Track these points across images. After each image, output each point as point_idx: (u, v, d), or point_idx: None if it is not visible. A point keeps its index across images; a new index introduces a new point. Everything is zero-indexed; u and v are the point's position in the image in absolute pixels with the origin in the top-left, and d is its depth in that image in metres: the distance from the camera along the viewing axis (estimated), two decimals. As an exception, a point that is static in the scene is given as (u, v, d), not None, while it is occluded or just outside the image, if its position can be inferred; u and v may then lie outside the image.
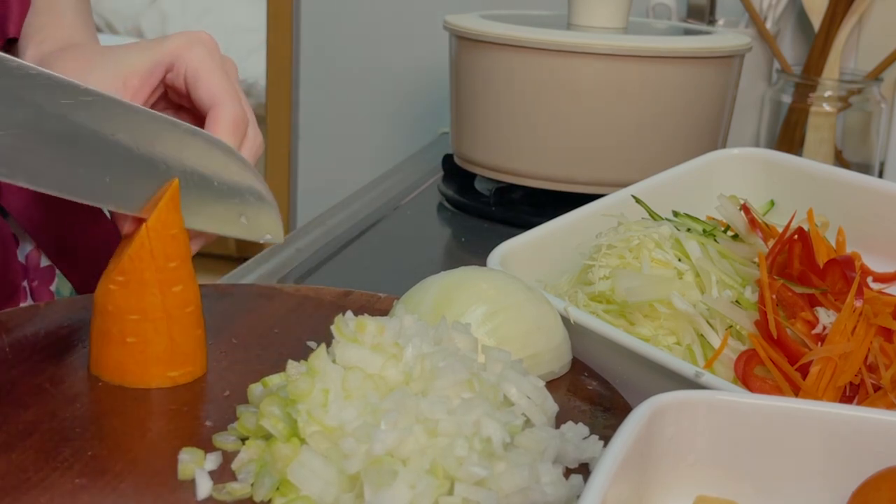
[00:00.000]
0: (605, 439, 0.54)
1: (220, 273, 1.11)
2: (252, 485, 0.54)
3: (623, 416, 0.53)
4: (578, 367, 0.71)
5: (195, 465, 0.55)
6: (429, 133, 1.79)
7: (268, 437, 0.56)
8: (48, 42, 0.76)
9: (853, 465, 0.53)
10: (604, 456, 0.48)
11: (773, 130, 1.51)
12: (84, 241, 0.88)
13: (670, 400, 0.53)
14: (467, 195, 1.31)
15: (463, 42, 1.26)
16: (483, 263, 0.79)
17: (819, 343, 0.69)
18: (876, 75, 1.48)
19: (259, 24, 3.49)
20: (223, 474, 0.55)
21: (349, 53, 1.85)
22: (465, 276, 0.70)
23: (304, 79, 1.88)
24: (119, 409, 0.62)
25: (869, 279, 0.82)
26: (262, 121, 1.97)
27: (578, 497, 0.48)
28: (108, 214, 0.86)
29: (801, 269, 0.75)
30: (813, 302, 0.72)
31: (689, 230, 0.80)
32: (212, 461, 0.56)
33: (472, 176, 1.34)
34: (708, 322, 0.73)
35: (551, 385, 0.67)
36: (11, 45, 0.83)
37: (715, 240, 0.79)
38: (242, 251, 3.29)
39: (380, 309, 0.76)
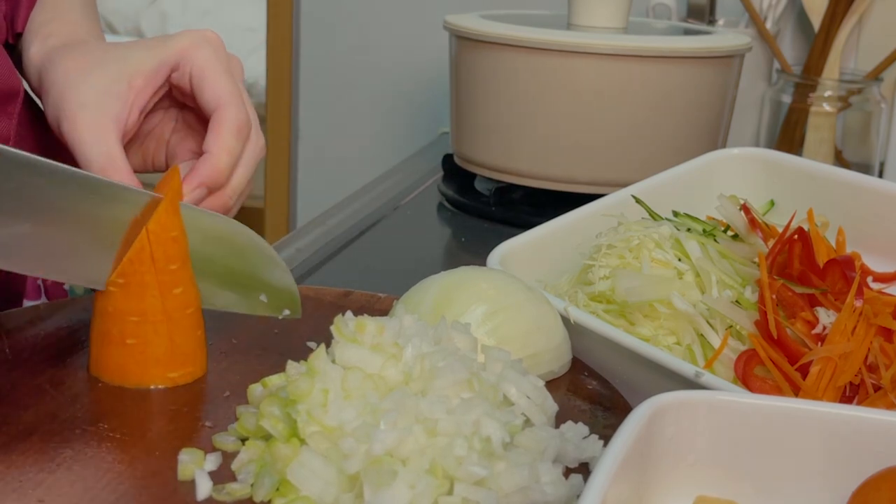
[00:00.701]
0: (605, 439, 0.54)
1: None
2: (252, 485, 0.54)
3: (623, 416, 0.53)
4: (578, 366, 0.71)
5: (195, 466, 0.55)
6: (429, 133, 1.79)
7: (268, 437, 0.56)
8: (53, 38, 0.76)
9: (853, 465, 0.53)
10: (604, 456, 0.48)
11: (773, 130, 1.51)
12: None
13: (670, 400, 0.53)
14: (467, 195, 1.31)
15: (463, 42, 1.26)
16: (483, 263, 0.79)
17: (819, 343, 0.69)
18: (876, 75, 1.48)
19: (259, 24, 3.49)
20: (223, 474, 0.55)
21: (349, 53, 1.85)
22: (465, 276, 0.70)
23: (304, 79, 1.88)
24: (119, 410, 0.61)
25: (869, 279, 0.82)
26: (262, 121, 1.97)
27: (578, 497, 0.48)
28: None
29: (801, 269, 0.75)
30: (813, 302, 0.72)
31: (689, 230, 0.80)
32: (212, 461, 0.56)
33: (472, 176, 1.34)
34: (708, 322, 0.73)
35: (551, 385, 0.67)
36: (19, 40, 0.83)
37: (715, 240, 0.79)
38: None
39: (380, 309, 0.76)
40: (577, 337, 0.72)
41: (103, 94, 0.68)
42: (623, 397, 0.67)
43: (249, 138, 0.71)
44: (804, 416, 0.54)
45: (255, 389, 0.61)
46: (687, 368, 0.66)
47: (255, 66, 3.12)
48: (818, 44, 1.48)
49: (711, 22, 1.58)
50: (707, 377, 0.65)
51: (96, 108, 0.68)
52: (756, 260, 0.77)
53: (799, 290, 0.73)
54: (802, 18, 1.57)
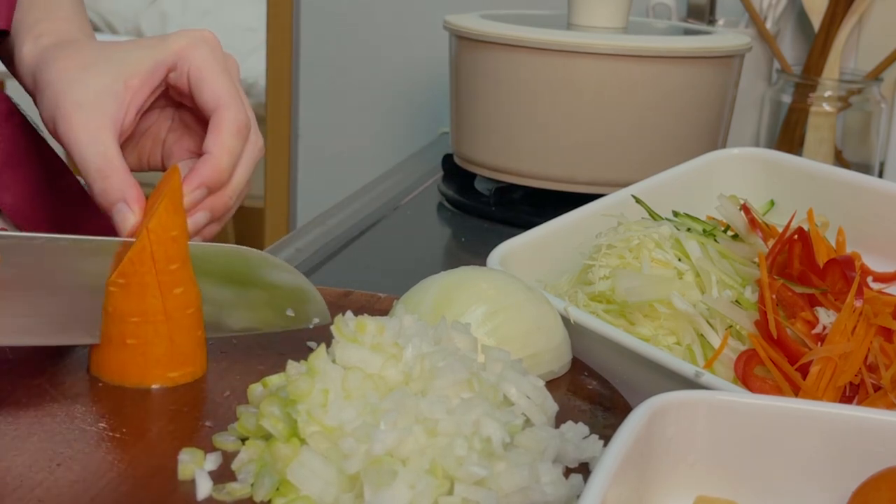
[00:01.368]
0: (605, 439, 0.54)
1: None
2: (252, 485, 0.54)
3: (623, 416, 0.53)
4: (578, 366, 0.71)
5: (195, 465, 0.55)
6: (429, 133, 1.79)
7: (268, 437, 0.56)
8: (45, 37, 0.75)
9: (853, 465, 0.53)
10: (604, 456, 0.48)
11: (773, 130, 1.51)
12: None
13: (670, 400, 0.53)
14: (467, 195, 1.31)
15: (463, 42, 1.26)
16: (483, 263, 0.79)
17: (819, 343, 0.69)
18: (876, 75, 1.48)
19: (259, 24, 3.49)
20: (223, 474, 0.55)
21: (349, 53, 1.85)
22: (465, 276, 0.70)
23: (304, 79, 1.88)
24: (119, 410, 0.61)
25: (869, 279, 0.82)
26: (262, 121, 1.97)
27: (578, 497, 0.48)
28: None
29: (801, 269, 0.75)
30: (813, 302, 0.72)
31: (689, 230, 0.80)
32: (212, 461, 0.56)
33: (472, 176, 1.34)
34: (708, 322, 0.73)
35: (551, 385, 0.67)
36: (3, 38, 0.82)
37: (715, 240, 0.79)
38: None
39: (380, 309, 0.76)
40: (577, 337, 0.72)
41: (99, 94, 0.68)
42: (623, 397, 0.67)
43: (249, 138, 0.71)
44: (804, 416, 0.54)
45: (255, 389, 0.61)
46: (687, 368, 0.66)
47: (255, 66, 3.12)
48: (818, 44, 1.48)
49: (711, 22, 1.58)
50: (707, 377, 0.65)
51: (92, 108, 0.67)
52: (756, 260, 0.77)
53: (799, 290, 0.73)
54: (802, 18, 1.57)
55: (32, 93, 0.73)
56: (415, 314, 0.63)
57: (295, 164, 1.91)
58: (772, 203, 0.92)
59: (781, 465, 0.54)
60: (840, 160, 1.50)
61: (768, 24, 1.53)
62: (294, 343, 0.70)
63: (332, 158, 1.90)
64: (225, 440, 0.58)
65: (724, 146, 1.28)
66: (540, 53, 1.18)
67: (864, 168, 1.48)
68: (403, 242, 1.21)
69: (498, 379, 0.59)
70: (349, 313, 0.59)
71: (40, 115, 0.71)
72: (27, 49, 0.75)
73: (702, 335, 0.73)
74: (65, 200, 0.69)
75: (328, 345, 0.58)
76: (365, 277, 1.08)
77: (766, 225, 0.80)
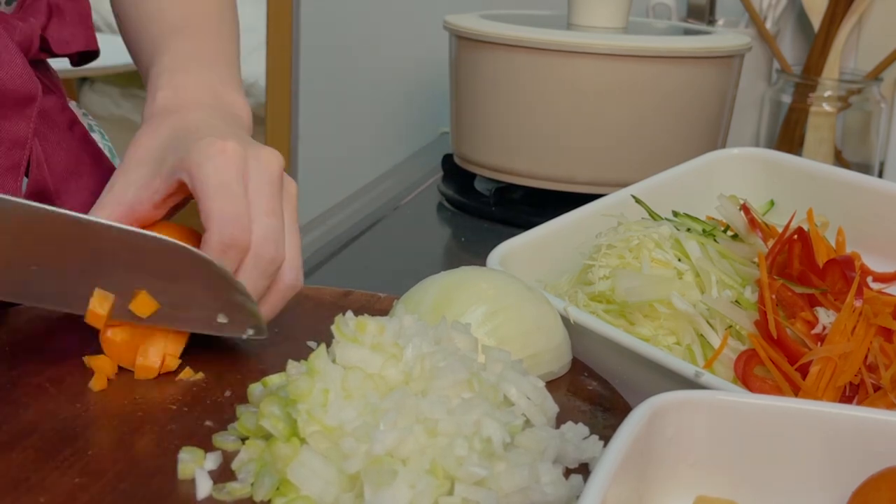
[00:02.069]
0: (605, 439, 0.54)
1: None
2: (252, 485, 0.54)
3: (623, 416, 0.53)
4: (578, 367, 0.71)
5: (195, 465, 0.55)
6: (429, 133, 1.79)
7: (268, 437, 0.56)
8: (159, 96, 0.76)
9: (853, 465, 0.53)
10: (604, 456, 0.48)
11: (773, 130, 1.51)
12: None
13: (670, 400, 0.53)
14: (467, 195, 1.31)
15: (463, 42, 1.26)
16: (483, 263, 0.79)
17: (819, 343, 0.69)
18: (876, 75, 1.48)
19: (259, 23, 3.49)
20: (223, 474, 0.55)
21: (349, 53, 1.85)
22: (465, 276, 0.70)
23: (304, 79, 1.88)
24: (119, 409, 0.62)
25: (869, 279, 0.82)
26: (261, 121, 1.97)
27: (578, 497, 0.48)
28: None
29: (801, 269, 0.75)
30: (813, 302, 0.72)
31: (689, 230, 0.80)
32: (212, 461, 0.56)
33: (472, 176, 1.34)
34: (708, 322, 0.73)
35: (551, 385, 0.67)
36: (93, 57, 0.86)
37: (715, 240, 0.79)
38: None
39: (380, 309, 0.76)
40: (577, 337, 0.72)
41: (128, 186, 0.69)
42: (623, 398, 0.67)
43: (278, 276, 0.67)
44: (804, 416, 0.54)
45: (255, 389, 0.61)
46: (687, 368, 0.66)
47: (255, 66, 3.12)
48: (818, 44, 1.48)
49: (711, 22, 1.58)
50: (707, 377, 0.65)
51: (115, 196, 0.69)
52: (756, 260, 0.77)
53: (799, 290, 0.73)
54: (802, 18, 1.57)
55: None
56: (415, 314, 0.63)
57: (295, 164, 1.91)
58: (772, 203, 0.92)
59: (781, 465, 0.54)
60: (840, 160, 1.50)
61: (768, 24, 1.53)
62: (294, 343, 0.70)
63: (332, 158, 1.90)
64: (225, 440, 0.58)
65: (724, 146, 1.28)
66: (540, 53, 1.18)
67: (864, 168, 1.48)
68: (403, 242, 1.21)
69: (498, 379, 0.59)
70: (349, 313, 0.59)
71: None
72: (147, 105, 0.76)
73: (702, 335, 0.73)
74: None
75: (328, 345, 0.58)
76: (365, 277, 1.08)
77: (766, 225, 0.80)
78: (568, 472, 0.56)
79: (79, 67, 0.88)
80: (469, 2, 1.59)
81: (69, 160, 0.83)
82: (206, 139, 0.66)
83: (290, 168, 1.92)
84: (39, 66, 0.84)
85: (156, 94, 0.76)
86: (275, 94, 1.90)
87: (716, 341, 0.73)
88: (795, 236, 0.76)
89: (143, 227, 0.68)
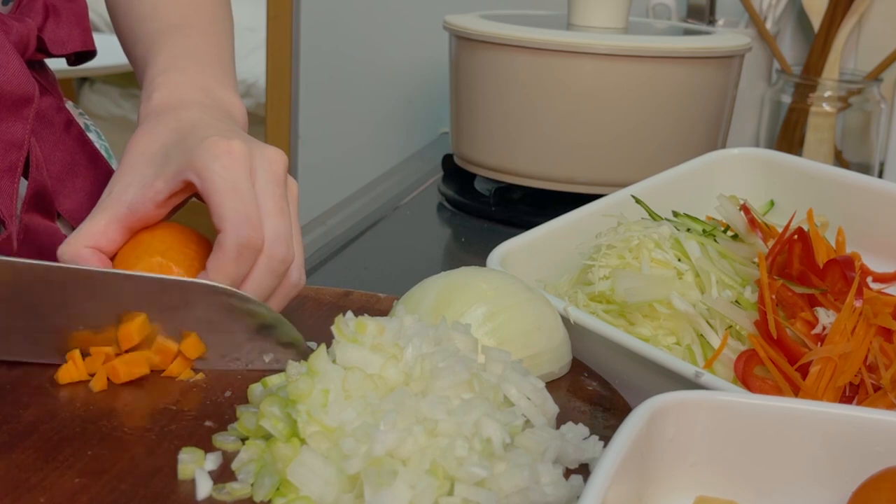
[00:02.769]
0: (605, 439, 0.54)
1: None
2: (252, 485, 0.54)
3: (623, 416, 0.53)
4: (578, 367, 0.71)
5: (195, 465, 0.55)
6: (429, 133, 1.79)
7: (268, 437, 0.56)
8: (155, 96, 0.76)
9: (853, 465, 0.53)
10: (604, 456, 0.48)
11: (773, 130, 1.51)
12: None
13: (670, 400, 0.53)
14: (467, 195, 1.31)
15: (463, 42, 1.26)
16: (483, 263, 0.79)
17: (819, 343, 0.69)
18: (876, 75, 1.48)
19: (259, 23, 3.49)
20: (223, 474, 0.55)
21: (349, 53, 1.85)
22: (465, 277, 0.70)
23: (304, 79, 1.88)
24: (119, 409, 0.62)
25: (869, 279, 0.82)
26: (261, 121, 1.97)
27: (578, 497, 0.48)
28: None
29: (801, 269, 0.75)
30: (813, 302, 0.72)
31: (688, 230, 0.80)
32: (212, 461, 0.56)
33: (472, 176, 1.34)
34: (708, 322, 0.73)
35: (551, 385, 0.67)
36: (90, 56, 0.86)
37: (715, 240, 0.79)
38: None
39: (380, 309, 0.76)
40: (577, 337, 0.72)
41: (129, 186, 0.69)
42: (623, 398, 0.67)
43: (287, 276, 0.68)
44: (804, 416, 0.54)
45: (255, 389, 0.61)
46: (687, 368, 0.66)
47: (255, 66, 3.12)
48: (818, 44, 1.48)
49: (711, 22, 1.58)
50: (707, 377, 0.65)
51: (116, 196, 0.69)
52: (756, 260, 0.77)
53: (799, 290, 0.73)
54: (802, 18, 1.57)
55: None
56: (415, 314, 0.63)
57: (295, 165, 1.91)
58: (772, 203, 0.92)
59: (781, 465, 0.54)
60: (840, 160, 1.50)
61: (768, 25, 1.53)
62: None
63: (332, 158, 1.90)
64: (225, 440, 0.58)
65: (724, 146, 1.28)
66: (540, 53, 1.18)
67: (864, 168, 1.48)
68: (403, 242, 1.21)
69: (498, 380, 0.59)
70: (349, 313, 0.59)
71: None
72: (143, 106, 0.76)
73: (702, 335, 0.73)
74: None
75: (328, 345, 0.58)
76: (365, 277, 1.08)
77: (766, 225, 0.80)
78: (568, 473, 0.56)
79: (78, 67, 0.88)
80: (469, 2, 1.59)
81: (66, 160, 0.83)
82: (210, 139, 0.66)
83: (291, 168, 1.91)
84: (36, 66, 0.85)
85: (151, 94, 0.76)
86: (275, 94, 1.90)
87: (716, 341, 0.73)
88: (795, 236, 0.76)
89: (145, 228, 0.69)
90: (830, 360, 0.68)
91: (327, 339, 0.59)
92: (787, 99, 1.49)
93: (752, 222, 0.79)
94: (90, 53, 0.87)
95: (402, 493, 0.50)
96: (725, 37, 1.29)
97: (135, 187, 0.68)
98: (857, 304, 0.71)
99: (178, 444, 0.57)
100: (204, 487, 0.54)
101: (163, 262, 0.67)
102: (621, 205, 0.87)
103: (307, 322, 0.74)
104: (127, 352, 0.64)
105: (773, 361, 0.69)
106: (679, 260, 0.77)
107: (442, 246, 1.24)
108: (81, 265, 0.65)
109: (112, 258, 0.68)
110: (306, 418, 0.54)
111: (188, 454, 0.56)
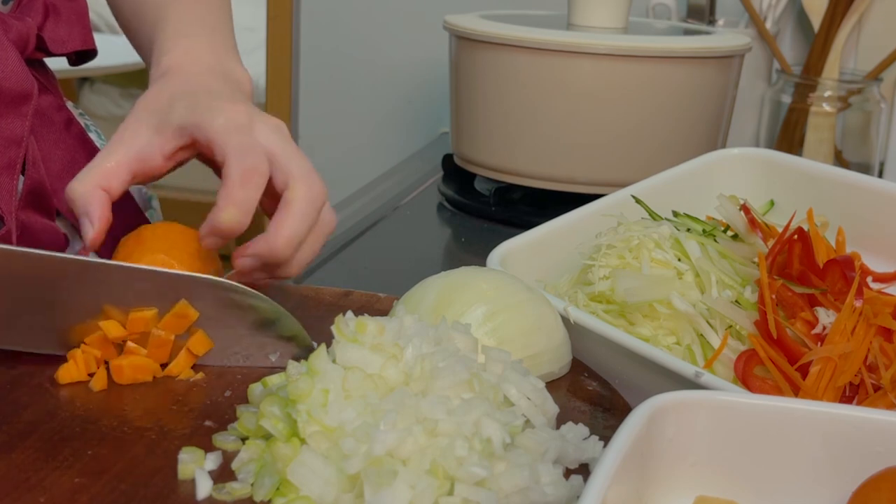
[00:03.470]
0: (605, 439, 0.54)
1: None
2: (252, 485, 0.54)
3: (623, 416, 0.53)
4: (578, 367, 0.71)
5: (195, 465, 0.55)
6: (429, 133, 1.79)
7: (268, 437, 0.56)
8: (163, 63, 0.77)
9: (853, 465, 0.53)
10: (604, 456, 0.48)
11: (773, 130, 1.51)
12: None
13: (670, 400, 0.53)
14: (467, 195, 1.31)
15: (463, 42, 1.26)
16: (483, 263, 0.79)
17: (819, 343, 0.69)
18: (876, 75, 1.48)
19: (259, 23, 3.49)
20: (223, 474, 0.55)
21: (349, 53, 1.85)
22: (465, 277, 0.70)
23: (304, 79, 1.88)
24: (119, 409, 0.62)
25: (869, 279, 0.82)
26: (262, 121, 1.97)
27: (578, 497, 0.48)
28: (149, 219, 0.88)
29: (801, 269, 0.75)
30: (813, 302, 0.72)
31: (688, 230, 0.80)
32: (212, 461, 0.56)
33: (472, 176, 1.34)
34: (708, 322, 0.73)
35: (551, 385, 0.67)
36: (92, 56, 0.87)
37: (715, 240, 0.79)
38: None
39: (380, 309, 0.76)
40: (577, 337, 0.72)
41: (136, 133, 0.71)
42: (623, 398, 0.67)
43: (319, 216, 0.70)
44: (804, 416, 0.54)
45: (255, 389, 0.61)
46: (687, 368, 0.66)
47: (255, 66, 3.13)
48: (818, 44, 1.48)
49: (711, 22, 1.58)
50: (707, 377, 0.65)
51: (126, 141, 0.71)
52: (756, 260, 0.77)
53: (799, 290, 0.73)
54: (802, 18, 1.57)
55: None
56: (415, 314, 0.63)
57: (295, 164, 1.91)
58: (772, 203, 0.92)
59: (781, 465, 0.54)
60: (840, 160, 1.50)
61: (768, 25, 1.53)
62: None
63: (332, 158, 1.90)
64: (225, 440, 0.58)
65: (724, 146, 1.28)
66: (540, 53, 1.18)
67: (864, 168, 1.48)
68: (403, 242, 1.21)
69: (498, 380, 0.59)
70: (349, 313, 0.59)
71: None
72: (152, 71, 0.78)
73: (702, 335, 0.73)
74: (121, 204, 0.71)
75: (328, 345, 0.58)
76: (365, 277, 1.08)
77: (766, 225, 0.80)
78: (568, 473, 0.56)
79: (78, 67, 0.88)
80: (469, 2, 1.59)
81: (66, 159, 0.84)
82: (217, 101, 0.70)
83: (290, 168, 1.91)
84: (36, 65, 0.85)
85: (161, 58, 0.78)
86: (275, 94, 1.90)
87: (716, 341, 0.73)
88: (795, 236, 0.76)
89: (151, 181, 0.72)
90: (830, 360, 0.68)
91: (327, 338, 0.59)
92: (787, 99, 1.49)
93: (752, 222, 0.79)
94: (91, 53, 0.87)
95: (402, 493, 0.50)
96: (725, 37, 1.29)
97: (144, 136, 0.70)
98: (857, 303, 0.71)
99: (178, 444, 0.57)
100: (204, 487, 0.54)
101: (165, 259, 0.67)
102: (621, 205, 0.87)
103: (307, 322, 0.73)
104: (127, 342, 0.64)
105: (773, 361, 0.69)
106: (679, 260, 0.77)
107: (442, 246, 1.24)
108: (86, 258, 0.66)
109: (113, 236, 0.69)
110: (306, 418, 0.54)
111: (188, 454, 0.56)
